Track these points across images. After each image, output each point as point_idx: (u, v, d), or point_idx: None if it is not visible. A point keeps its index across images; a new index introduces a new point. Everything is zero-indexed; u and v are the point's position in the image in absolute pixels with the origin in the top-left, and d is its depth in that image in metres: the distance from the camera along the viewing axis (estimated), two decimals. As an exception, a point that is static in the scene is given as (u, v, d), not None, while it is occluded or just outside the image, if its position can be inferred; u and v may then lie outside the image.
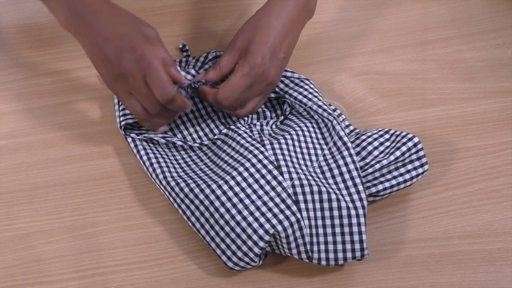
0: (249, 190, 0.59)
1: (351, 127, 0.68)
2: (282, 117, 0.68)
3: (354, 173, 0.60)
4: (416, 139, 0.63)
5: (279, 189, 0.59)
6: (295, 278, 0.60)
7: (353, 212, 0.58)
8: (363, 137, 0.64)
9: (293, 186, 0.59)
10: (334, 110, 0.68)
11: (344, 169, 0.60)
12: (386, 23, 0.81)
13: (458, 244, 0.61)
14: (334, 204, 0.58)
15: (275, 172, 0.59)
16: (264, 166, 0.60)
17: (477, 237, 0.62)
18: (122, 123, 0.65)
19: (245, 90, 0.62)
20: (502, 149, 0.68)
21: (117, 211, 0.64)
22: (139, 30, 0.59)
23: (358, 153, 0.63)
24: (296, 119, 0.67)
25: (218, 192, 0.58)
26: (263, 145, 0.62)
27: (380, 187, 0.60)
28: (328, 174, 0.61)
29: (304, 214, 0.58)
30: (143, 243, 0.62)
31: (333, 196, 0.58)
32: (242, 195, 0.58)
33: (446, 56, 0.77)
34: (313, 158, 0.63)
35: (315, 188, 0.59)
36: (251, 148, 0.61)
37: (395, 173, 0.61)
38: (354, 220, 0.58)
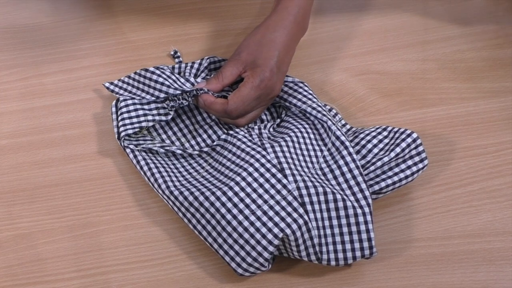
0: (254, 195, 0.59)
1: (348, 126, 0.68)
2: (278, 120, 0.69)
3: (356, 172, 0.60)
4: (415, 135, 0.63)
5: (284, 192, 0.59)
6: (296, 277, 0.60)
7: (359, 211, 0.58)
8: (362, 135, 0.64)
9: (298, 188, 0.59)
10: (329, 111, 0.68)
11: (345, 168, 0.61)
12: (386, 23, 0.81)
13: (459, 243, 0.61)
14: (340, 204, 0.58)
15: (279, 175, 0.59)
16: (268, 170, 0.60)
17: (477, 236, 0.62)
18: (122, 134, 0.64)
19: (252, 101, 0.64)
20: (502, 149, 0.68)
21: (118, 211, 0.64)
22: None
23: (358, 152, 0.63)
24: (293, 120, 0.67)
25: (224, 198, 0.58)
26: (264, 149, 0.62)
27: (383, 184, 0.61)
28: (330, 176, 0.61)
29: (311, 215, 0.58)
30: (144, 242, 0.62)
31: (338, 196, 0.58)
32: (248, 200, 0.58)
33: (447, 56, 0.77)
34: (314, 159, 0.63)
35: (320, 189, 0.59)
36: (253, 152, 0.61)
37: (396, 170, 0.61)
38: (360, 219, 0.58)
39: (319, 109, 0.66)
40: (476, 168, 0.67)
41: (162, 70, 0.67)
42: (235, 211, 0.57)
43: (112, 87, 0.69)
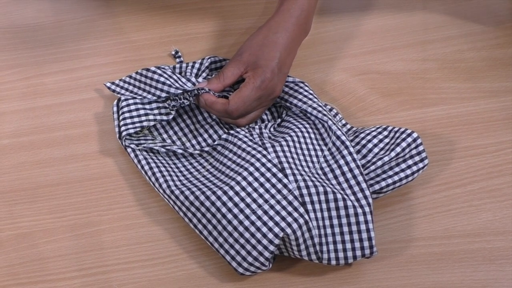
0: (255, 195, 0.59)
1: (348, 126, 0.68)
2: (279, 120, 0.69)
3: (356, 172, 0.60)
4: (415, 135, 0.63)
5: (285, 191, 0.59)
6: (297, 276, 0.60)
7: (359, 210, 0.58)
8: (362, 135, 0.64)
9: (299, 187, 0.59)
10: (330, 110, 0.69)
11: (345, 168, 0.61)
12: (386, 22, 0.81)
13: (459, 242, 0.62)
14: (340, 204, 0.58)
15: (280, 175, 0.60)
16: (268, 170, 0.60)
17: (477, 235, 0.62)
18: (124, 133, 0.65)
19: (253, 101, 0.64)
20: (502, 148, 0.68)
21: (120, 210, 0.64)
22: None
23: (358, 151, 0.63)
24: (293, 120, 0.67)
25: (224, 198, 0.58)
26: (265, 148, 0.62)
27: (383, 183, 0.61)
28: (330, 175, 0.61)
29: (312, 215, 0.59)
30: (145, 242, 0.62)
31: (339, 196, 0.59)
32: (248, 200, 0.58)
33: (447, 56, 0.77)
34: (314, 159, 0.63)
35: (321, 189, 0.59)
36: (254, 152, 0.61)
37: (397, 169, 0.62)
38: (361, 218, 0.58)
39: (320, 109, 0.66)
40: (476, 167, 0.67)
41: (163, 69, 0.68)
42: (235, 210, 0.58)
43: (113, 86, 0.70)
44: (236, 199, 0.58)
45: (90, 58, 0.77)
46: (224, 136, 0.65)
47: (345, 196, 0.59)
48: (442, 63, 0.76)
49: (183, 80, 0.67)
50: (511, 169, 0.67)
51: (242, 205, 0.58)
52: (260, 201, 0.58)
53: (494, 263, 0.60)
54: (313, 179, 0.60)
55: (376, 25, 0.81)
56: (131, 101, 0.67)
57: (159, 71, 0.67)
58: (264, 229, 0.57)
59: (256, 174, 0.60)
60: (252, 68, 0.65)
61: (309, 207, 0.59)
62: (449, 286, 0.59)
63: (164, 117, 0.66)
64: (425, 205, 0.64)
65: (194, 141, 0.68)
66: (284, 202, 0.58)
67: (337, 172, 0.61)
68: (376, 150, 0.63)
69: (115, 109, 0.68)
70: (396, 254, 0.61)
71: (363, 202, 0.59)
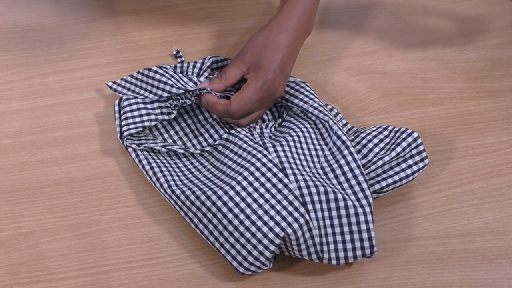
0: (256, 195, 0.59)
1: (349, 126, 0.68)
2: (280, 120, 0.69)
3: (357, 171, 0.60)
4: (415, 134, 0.63)
5: (285, 191, 0.59)
6: (297, 276, 0.60)
7: (360, 210, 0.58)
8: (363, 134, 0.65)
9: (299, 187, 0.59)
10: (331, 110, 0.69)
11: (346, 168, 0.61)
12: (387, 22, 0.81)
13: (459, 242, 0.62)
14: (341, 204, 0.59)
15: (281, 175, 0.60)
16: (269, 169, 0.60)
17: (477, 235, 0.62)
18: (125, 133, 0.65)
19: (255, 103, 0.64)
20: (502, 148, 0.68)
21: (121, 210, 0.64)
22: None
23: (359, 151, 0.63)
24: (294, 120, 0.67)
25: (225, 198, 0.58)
26: (266, 148, 0.62)
27: (384, 183, 0.61)
28: (331, 175, 0.61)
29: (312, 215, 0.59)
30: (146, 241, 0.62)
31: (339, 196, 0.59)
32: (249, 199, 0.59)
33: (447, 56, 0.77)
34: (315, 159, 0.63)
35: (321, 189, 0.59)
36: (254, 152, 0.61)
37: (397, 169, 0.62)
38: (361, 218, 0.58)
39: (321, 108, 0.66)
40: (476, 167, 0.67)
41: (165, 69, 0.68)
42: (236, 210, 0.58)
43: (115, 86, 0.70)
44: (237, 198, 0.58)
45: (91, 58, 0.77)
46: (225, 135, 0.65)
47: (346, 196, 0.59)
48: (442, 63, 0.77)
49: (185, 79, 0.67)
50: (511, 168, 0.67)
51: (242, 205, 0.58)
52: (261, 201, 0.58)
53: (494, 263, 0.60)
54: (314, 178, 0.61)
55: (376, 25, 0.81)
56: (133, 101, 0.67)
57: (160, 71, 0.67)
58: (265, 229, 0.57)
59: (257, 174, 0.60)
60: (254, 69, 0.65)
61: (310, 207, 0.59)
62: (449, 285, 0.59)
63: (166, 117, 0.66)
64: (425, 204, 0.64)
65: (195, 141, 0.68)
66: (284, 202, 0.58)
67: (338, 172, 0.61)
68: (376, 149, 0.63)
69: (116, 108, 0.68)
70: (397, 253, 0.61)
71: (364, 202, 0.59)
